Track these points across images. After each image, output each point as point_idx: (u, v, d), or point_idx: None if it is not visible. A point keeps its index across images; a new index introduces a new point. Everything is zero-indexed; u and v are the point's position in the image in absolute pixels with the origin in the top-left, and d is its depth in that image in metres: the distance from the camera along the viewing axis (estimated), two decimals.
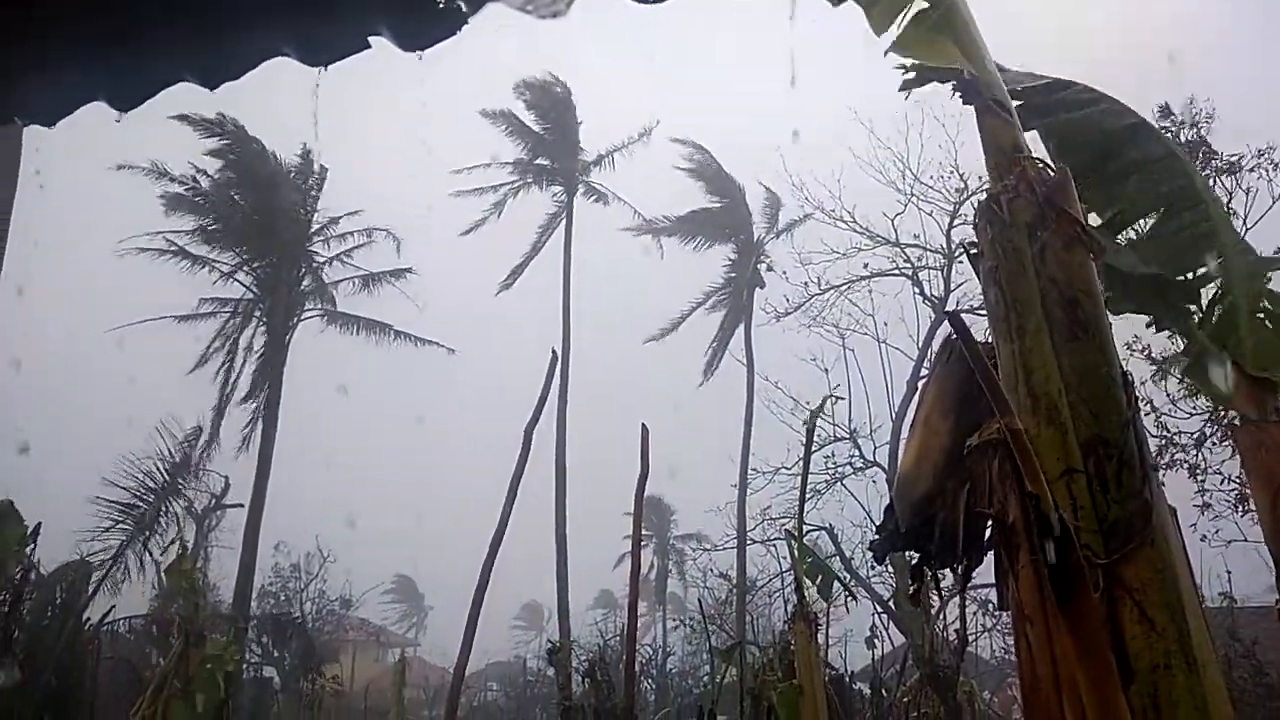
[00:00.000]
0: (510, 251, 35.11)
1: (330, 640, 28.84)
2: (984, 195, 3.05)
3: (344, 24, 1.37)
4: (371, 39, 1.39)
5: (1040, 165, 2.92)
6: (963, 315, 2.85)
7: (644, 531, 10.72)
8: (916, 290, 23.94)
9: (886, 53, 3.04)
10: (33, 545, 7.54)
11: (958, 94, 2.98)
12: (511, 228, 35.10)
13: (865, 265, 24.33)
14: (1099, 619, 2.39)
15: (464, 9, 1.32)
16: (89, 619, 13.92)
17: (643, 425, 10.25)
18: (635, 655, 9.95)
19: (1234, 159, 15.39)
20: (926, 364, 22.30)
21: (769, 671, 10.14)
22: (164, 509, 18.65)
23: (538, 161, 34.78)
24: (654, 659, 28.53)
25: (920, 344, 23.28)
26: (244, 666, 20.07)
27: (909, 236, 23.77)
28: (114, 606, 15.39)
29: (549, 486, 30.68)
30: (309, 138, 27.05)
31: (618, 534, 44.98)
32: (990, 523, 3.17)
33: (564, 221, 34.72)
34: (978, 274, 2.99)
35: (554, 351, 8.34)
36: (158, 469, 19.57)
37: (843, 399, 20.47)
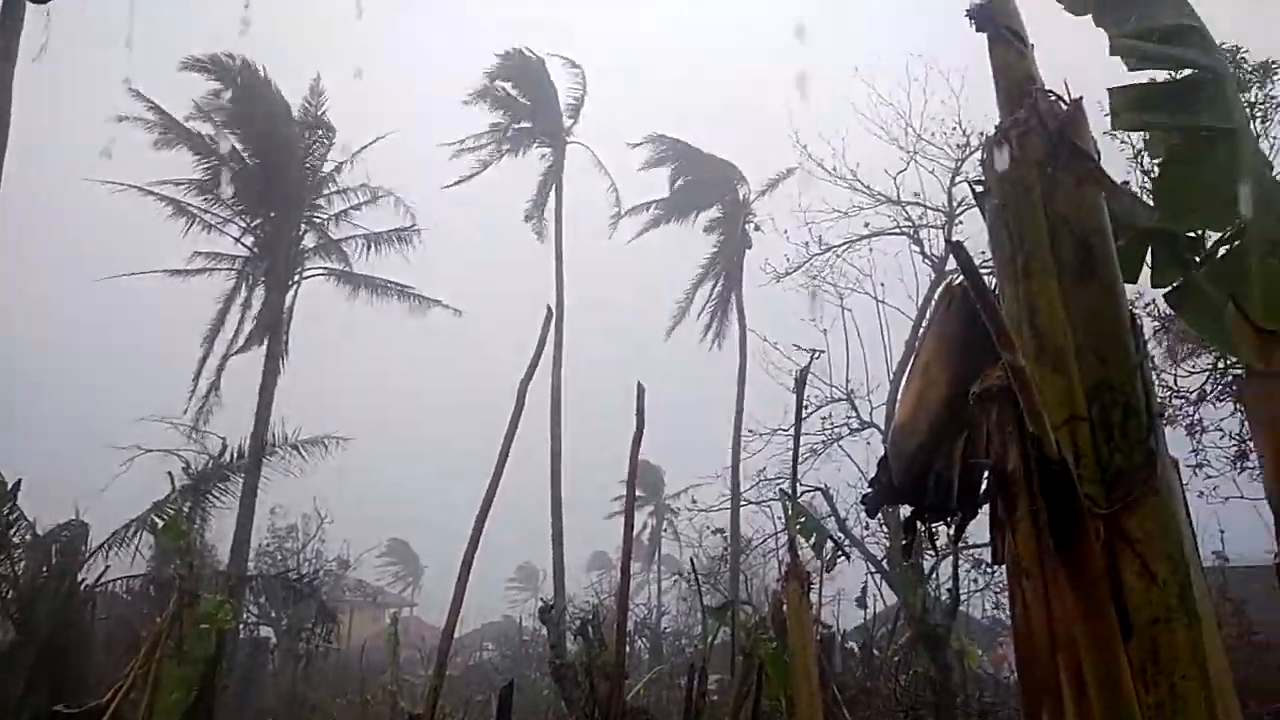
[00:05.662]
0: (503, 215, 35.24)
1: (328, 601, 28.98)
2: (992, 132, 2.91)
3: None
4: None
5: (1053, 98, 2.79)
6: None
7: (638, 493, 10.66)
8: (916, 248, 23.82)
9: None
10: (13, 502, 7.43)
11: (971, 20, 2.84)
12: (503, 192, 35.19)
13: (866, 225, 24.23)
14: (1100, 569, 2.30)
15: None
16: (84, 579, 13.89)
17: (639, 384, 10.13)
18: (627, 612, 9.93)
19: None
20: (925, 323, 22.18)
21: (761, 630, 10.12)
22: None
23: (523, 125, 34.97)
24: (649, 618, 28.75)
25: (920, 303, 23.17)
26: (241, 626, 20.14)
27: (910, 195, 23.67)
28: (109, 567, 15.39)
29: (544, 449, 30.71)
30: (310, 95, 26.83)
31: (612, 494, 45.33)
32: (987, 473, 3.07)
33: (554, 184, 34.86)
34: (983, 213, 2.86)
35: (549, 308, 8.19)
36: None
37: (824, 352, 20.28)
